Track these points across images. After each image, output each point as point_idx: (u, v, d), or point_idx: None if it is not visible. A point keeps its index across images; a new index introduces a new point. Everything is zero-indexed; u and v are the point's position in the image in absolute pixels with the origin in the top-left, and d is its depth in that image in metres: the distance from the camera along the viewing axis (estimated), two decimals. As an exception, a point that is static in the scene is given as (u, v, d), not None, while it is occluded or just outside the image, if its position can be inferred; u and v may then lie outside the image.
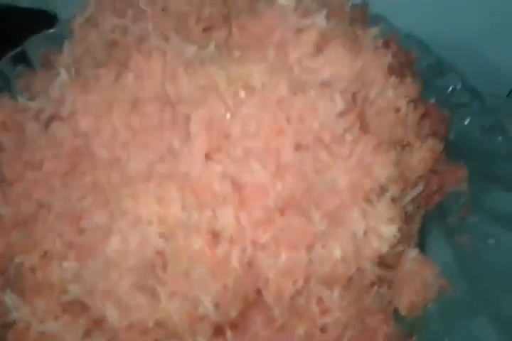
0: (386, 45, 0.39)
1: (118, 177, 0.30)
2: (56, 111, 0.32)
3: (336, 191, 0.32)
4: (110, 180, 0.30)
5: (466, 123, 0.46)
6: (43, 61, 0.46)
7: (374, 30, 0.38)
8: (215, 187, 0.29)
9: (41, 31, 0.50)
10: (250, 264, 0.28)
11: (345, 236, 0.30)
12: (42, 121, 0.32)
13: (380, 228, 0.31)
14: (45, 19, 0.54)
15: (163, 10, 0.36)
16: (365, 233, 0.31)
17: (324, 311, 0.31)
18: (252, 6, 0.37)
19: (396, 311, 0.37)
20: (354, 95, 0.33)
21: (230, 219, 0.28)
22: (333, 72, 0.34)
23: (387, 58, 0.34)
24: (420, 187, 0.37)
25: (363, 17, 0.46)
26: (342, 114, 0.32)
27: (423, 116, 0.39)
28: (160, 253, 0.28)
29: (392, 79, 0.35)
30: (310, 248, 0.30)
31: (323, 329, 0.31)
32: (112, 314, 0.27)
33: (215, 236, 0.28)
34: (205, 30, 0.37)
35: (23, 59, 0.49)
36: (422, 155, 0.37)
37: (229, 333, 0.29)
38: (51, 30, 0.50)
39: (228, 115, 0.31)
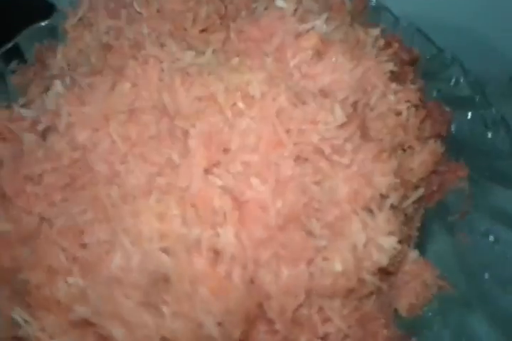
0: (388, 44, 0.38)
1: (118, 192, 0.30)
2: (52, 123, 0.32)
3: (336, 201, 0.32)
4: (110, 195, 0.30)
5: (468, 117, 0.46)
6: (37, 57, 0.45)
7: (375, 32, 0.37)
8: (215, 203, 0.29)
9: (39, 21, 0.48)
10: (252, 282, 0.28)
11: (346, 248, 0.31)
12: (39, 131, 0.32)
13: (380, 240, 0.31)
14: (43, 9, 0.53)
15: (158, 11, 0.35)
16: (366, 245, 0.31)
17: (325, 320, 0.31)
18: (249, 6, 0.36)
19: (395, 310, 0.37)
20: (355, 104, 0.33)
21: (231, 239, 0.28)
22: (333, 79, 0.33)
23: (388, 65, 0.34)
24: (421, 191, 0.37)
25: (363, 10, 0.45)
26: (342, 126, 0.31)
27: (424, 118, 0.39)
28: (163, 270, 0.29)
29: (393, 85, 0.34)
30: (310, 261, 0.30)
31: (324, 338, 0.31)
32: (117, 332, 0.27)
33: (216, 253, 0.28)
34: (202, 31, 0.36)
35: (16, 53, 0.48)
36: (423, 158, 0.37)
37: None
38: (44, 23, 0.48)
39: (226, 128, 0.31)
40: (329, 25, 0.35)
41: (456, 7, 0.56)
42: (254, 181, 0.30)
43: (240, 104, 0.31)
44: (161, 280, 0.29)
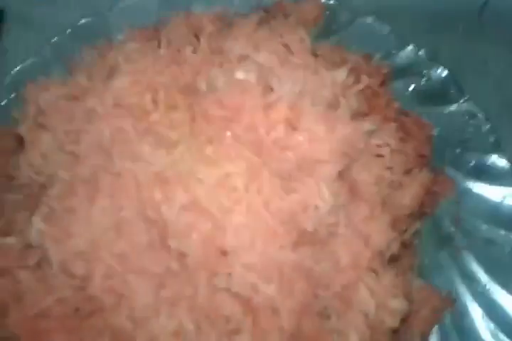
0: (357, 76, 0.37)
1: (128, 316, 0.30)
2: (44, 254, 0.31)
3: (339, 269, 0.33)
4: (122, 323, 0.30)
5: (445, 112, 0.45)
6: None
7: (340, 73, 0.35)
8: (225, 310, 0.30)
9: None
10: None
11: (358, 319, 0.32)
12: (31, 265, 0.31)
13: (389, 302, 0.32)
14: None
15: (115, 105, 0.33)
16: (376, 310, 0.32)
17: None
18: (210, 81, 0.33)
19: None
20: (341, 173, 0.32)
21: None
22: (312, 148, 0.32)
23: (365, 125, 0.32)
24: (416, 226, 0.37)
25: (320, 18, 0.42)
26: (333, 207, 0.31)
27: (406, 141, 0.38)
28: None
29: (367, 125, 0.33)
30: (327, 343, 0.31)
31: None
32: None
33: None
34: (167, 111, 0.34)
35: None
36: (413, 191, 0.37)
37: None
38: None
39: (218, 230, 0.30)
40: (295, 84, 0.33)
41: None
42: (259, 283, 0.30)
43: (226, 202, 0.31)
44: None
